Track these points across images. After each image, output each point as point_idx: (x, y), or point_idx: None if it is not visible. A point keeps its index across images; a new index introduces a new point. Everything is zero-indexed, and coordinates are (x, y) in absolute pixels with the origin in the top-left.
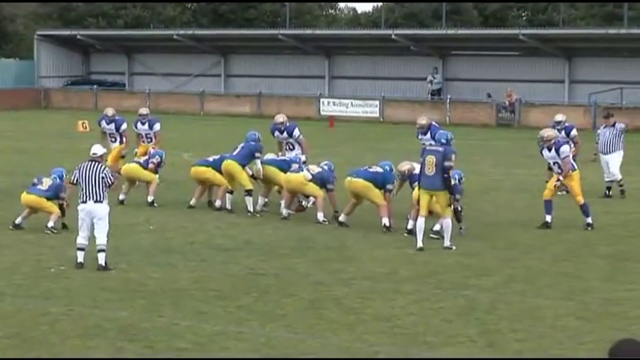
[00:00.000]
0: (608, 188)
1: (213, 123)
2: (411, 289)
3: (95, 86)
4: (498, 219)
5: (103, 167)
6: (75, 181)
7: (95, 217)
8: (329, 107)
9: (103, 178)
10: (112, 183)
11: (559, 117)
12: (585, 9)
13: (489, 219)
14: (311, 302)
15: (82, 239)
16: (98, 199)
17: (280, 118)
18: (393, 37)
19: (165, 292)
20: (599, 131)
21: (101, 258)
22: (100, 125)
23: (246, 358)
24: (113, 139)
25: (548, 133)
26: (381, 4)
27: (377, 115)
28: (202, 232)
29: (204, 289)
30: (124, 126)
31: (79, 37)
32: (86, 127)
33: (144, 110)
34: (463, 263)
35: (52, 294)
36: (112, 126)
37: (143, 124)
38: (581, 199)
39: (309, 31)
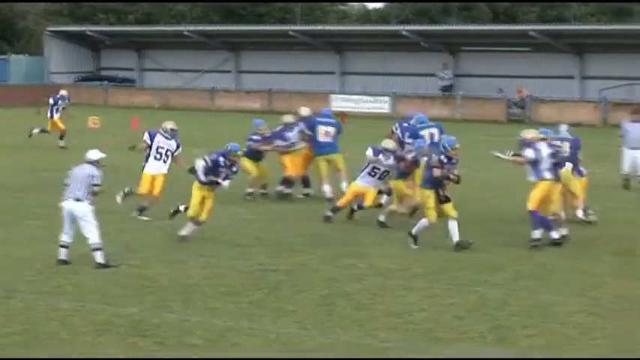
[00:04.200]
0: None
1: (223, 119)
2: (422, 286)
3: (105, 82)
4: (509, 215)
5: (94, 171)
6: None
7: (77, 217)
8: (340, 103)
9: (90, 181)
10: (98, 191)
11: None
12: (596, 6)
13: (499, 215)
14: (322, 298)
15: (64, 236)
16: (78, 198)
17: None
18: (403, 33)
19: (175, 288)
20: (625, 126)
21: (98, 257)
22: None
23: (268, 357)
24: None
25: (531, 135)
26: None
27: (388, 110)
28: (213, 228)
29: (215, 285)
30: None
31: (88, 32)
32: (97, 124)
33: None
34: (474, 260)
35: (63, 290)
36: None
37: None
38: (530, 206)
39: (320, 27)
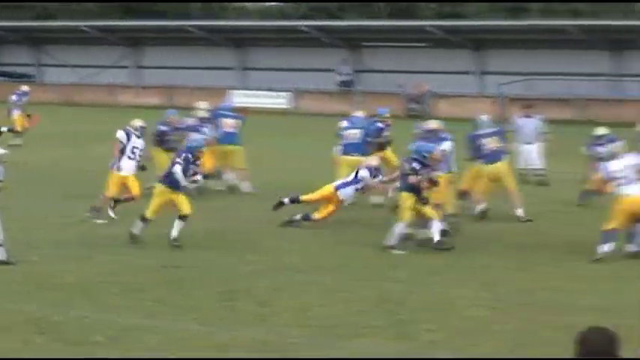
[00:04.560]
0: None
1: (124, 114)
2: (325, 281)
3: (4, 78)
4: None
5: None
6: None
7: None
8: (241, 99)
9: None
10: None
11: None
12: (492, 3)
13: None
14: (224, 294)
15: None
16: None
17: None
18: (303, 28)
19: (78, 286)
20: (518, 121)
21: None
22: None
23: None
24: None
25: (436, 125)
26: None
27: (289, 106)
28: (118, 225)
29: (119, 283)
30: None
31: None
32: None
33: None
34: (378, 256)
35: None
36: None
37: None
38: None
39: (221, 22)
